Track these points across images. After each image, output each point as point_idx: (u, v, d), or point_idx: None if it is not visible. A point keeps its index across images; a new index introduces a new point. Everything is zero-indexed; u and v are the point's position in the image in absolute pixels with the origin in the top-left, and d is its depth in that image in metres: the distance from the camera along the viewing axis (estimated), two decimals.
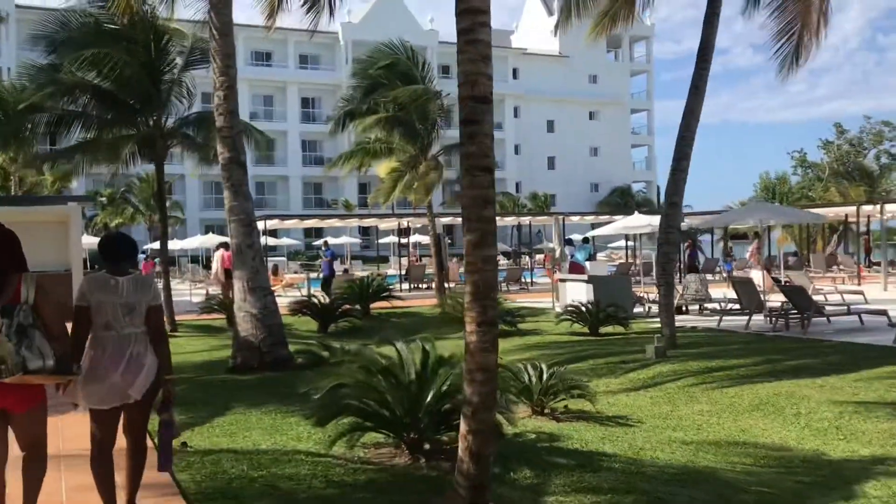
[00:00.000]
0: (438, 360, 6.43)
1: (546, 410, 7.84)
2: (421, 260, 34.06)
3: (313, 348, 10.86)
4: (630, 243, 36.22)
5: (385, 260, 49.75)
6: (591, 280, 16.05)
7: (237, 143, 10.89)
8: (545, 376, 7.83)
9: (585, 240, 23.17)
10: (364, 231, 56.10)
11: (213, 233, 38.98)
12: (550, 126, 72.72)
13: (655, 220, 18.23)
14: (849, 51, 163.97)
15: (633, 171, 77.21)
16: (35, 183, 32.22)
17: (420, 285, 28.58)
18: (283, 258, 44.37)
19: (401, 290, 22.92)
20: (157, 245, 43.29)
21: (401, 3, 66.34)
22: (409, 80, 19.14)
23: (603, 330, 14.27)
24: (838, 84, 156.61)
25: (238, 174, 10.86)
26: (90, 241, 38.56)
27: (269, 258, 36.30)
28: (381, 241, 52.65)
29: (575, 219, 32.45)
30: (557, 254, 18.79)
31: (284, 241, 47.63)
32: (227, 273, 28.61)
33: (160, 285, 16.99)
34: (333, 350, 9.52)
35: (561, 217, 20.28)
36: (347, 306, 17.83)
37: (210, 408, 8.28)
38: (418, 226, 35.65)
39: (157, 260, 45.96)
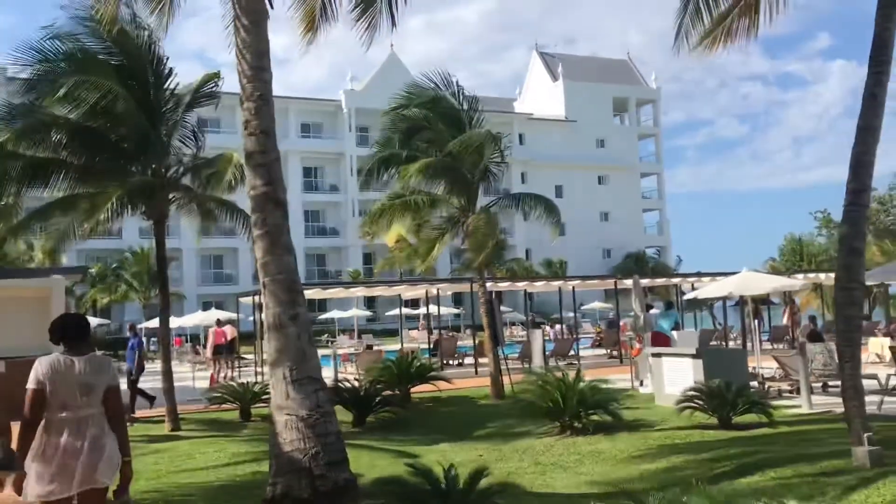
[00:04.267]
0: None
1: None
2: (444, 333, 30.51)
3: (401, 472, 7.18)
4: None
5: (393, 333, 46.40)
6: (701, 354, 12.76)
7: (273, 174, 7.76)
8: None
9: (669, 304, 19.96)
10: (369, 304, 52.90)
11: (215, 308, 35.50)
12: (559, 191, 70.13)
13: (777, 279, 15.19)
14: (832, 118, 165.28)
15: (645, 235, 74.44)
16: (22, 256, 28.97)
17: (450, 361, 25.15)
18: None
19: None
20: (152, 324, 39.99)
21: (404, 71, 64.51)
22: (453, 121, 16.21)
23: (737, 420, 10.96)
24: (823, 152, 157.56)
25: (276, 216, 7.70)
26: None
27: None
28: (387, 313, 49.49)
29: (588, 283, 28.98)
30: (641, 322, 15.51)
31: None
32: (218, 349, 25.77)
33: (160, 368, 13.64)
34: (430, 477, 6.12)
35: (637, 278, 17.02)
36: (388, 392, 14.48)
37: None
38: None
39: (143, 339, 42.66)
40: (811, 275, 29.34)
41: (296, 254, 7.94)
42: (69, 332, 4.66)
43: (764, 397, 11.09)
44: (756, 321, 25.86)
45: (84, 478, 4.30)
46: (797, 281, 19.16)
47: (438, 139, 16.23)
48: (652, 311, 17.13)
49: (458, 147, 15.21)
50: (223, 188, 13.54)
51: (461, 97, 16.40)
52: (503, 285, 23.25)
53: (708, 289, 16.34)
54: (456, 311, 49.17)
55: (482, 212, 16.34)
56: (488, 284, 21.82)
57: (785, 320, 28.13)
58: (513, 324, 46.44)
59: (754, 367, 14.18)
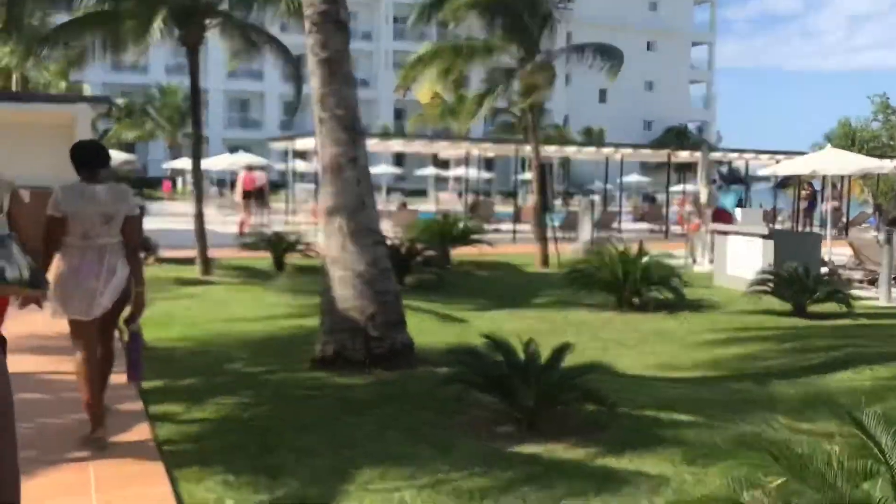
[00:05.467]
0: None
1: None
2: (479, 196, 29.52)
3: (454, 338, 6.24)
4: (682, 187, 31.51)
5: (421, 194, 45.64)
6: (774, 236, 11.78)
7: None
8: None
9: (735, 180, 18.69)
10: (398, 162, 51.78)
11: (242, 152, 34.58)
12: None
13: (866, 160, 13.96)
14: None
15: (690, 109, 71.57)
16: (43, 84, 27.95)
17: (486, 226, 24.33)
18: (313, 186, 39.97)
19: None
20: (177, 164, 39.31)
21: None
22: None
23: (812, 309, 10.12)
24: (880, 33, 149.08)
25: (337, 41, 6.58)
26: None
27: (298, 185, 32.01)
28: (416, 172, 48.45)
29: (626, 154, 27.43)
30: (704, 196, 14.43)
31: (313, 166, 43.27)
32: (247, 195, 25.10)
33: (192, 211, 12.90)
34: (507, 349, 5.32)
35: (706, 147, 15.77)
36: (431, 253, 13.71)
37: (305, 472, 4.16)
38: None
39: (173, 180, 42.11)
40: None
41: (356, 87, 6.87)
42: (88, 158, 4.57)
43: (845, 286, 10.17)
44: (807, 205, 24.78)
45: (100, 303, 4.39)
46: (888, 163, 17.73)
47: None
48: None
49: None
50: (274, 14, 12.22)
51: None
52: (550, 150, 22.00)
53: (789, 165, 15.14)
54: (488, 175, 47.95)
55: (542, 62, 14.96)
56: (528, 148, 20.69)
57: (825, 207, 26.88)
58: None
59: (825, 254, 13.22)
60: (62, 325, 4.66)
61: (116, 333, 5.00)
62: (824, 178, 25.20)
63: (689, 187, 35.12)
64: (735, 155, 24.34)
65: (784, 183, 29.62)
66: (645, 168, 51.18)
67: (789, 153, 26.59)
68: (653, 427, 5.06)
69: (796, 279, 9.98)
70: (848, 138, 53.05)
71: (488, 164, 51.54)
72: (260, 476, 3.99)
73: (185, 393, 5.53)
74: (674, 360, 7.74)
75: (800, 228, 22.67)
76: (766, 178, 28.57)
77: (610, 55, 15.08)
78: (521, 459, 4.33)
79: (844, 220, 25.21)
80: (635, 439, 4.76)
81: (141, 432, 4.62)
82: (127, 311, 4.70)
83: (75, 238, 4.39)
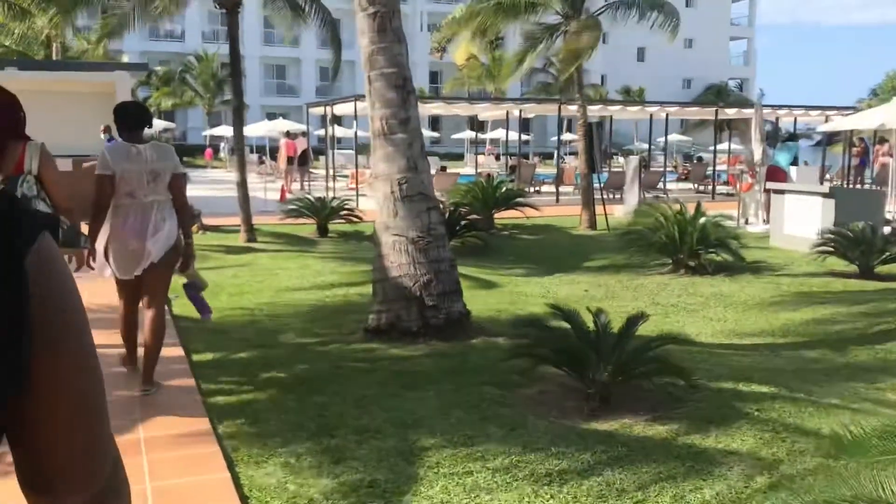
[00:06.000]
0: None
1: None
2: (519, 158, 28.88)
3: (507, 305, 6.07)
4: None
5: (457, 157, 45.15)
6: (834, 193, 11.24)
7: None
8: None
9: (791, 137, 17.99)
10: (433, 126, 51.13)
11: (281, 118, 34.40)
12: None
13: None
14: None
15: (730, 66, 69.69)
16: (81, 52, 27.91)
17: (528, 188, 23.89)
18: (352, 151, 39.60)
19: None
20: (216, 132, 39.27)
21: None
22: None
23: (879, 270, 9.63)
24: None
25: None
26: None
27: (337, 151, 31.63)
28: (453, 136, 47.85)
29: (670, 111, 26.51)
30: (758, 155, 13.84)
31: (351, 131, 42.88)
32: (289, 161, 24.88)
33: (235, 178, 12.70)
34: (576, 320, 4.99)
35: (760, 104, 15.10)
36: (475, 217, 13.38)
37: (370, 454, 3.91)
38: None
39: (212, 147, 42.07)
40: None
41: (408, 46, 6.52)
42: (131, 118, 4.61)
43: None
44: (859, 162, 23.84)
45: (148, 257, 4.46)
46: None
47: None
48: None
49: None
50: None
51: None
52: (593, 109, 21.35)
53: (853, 119, 14.44)
54: (525, 136, 47.22)
55: (589, 17, 14.39)
56: (573, 108, 20.13)
57: (879, 164, 25.86)
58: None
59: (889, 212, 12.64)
60: (108, 296, 4.66)
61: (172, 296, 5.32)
62: (875, 133, 24.26)
63: (735, 146, 34.19)
64: (784, 111, 23.45)
65: (830, 140, 28.56)
66: (685, 126, 50.07)
67: (840, 109, 25.63)
68: (733, 401, 4.73)
69: (863, 239, 9.48)
70: None
71: (525, 125, 50.73)
72: (322, 458, 3.75)
73: (238, 367, 5.33)
74: (739, 325, 7.37)
75: (851, 186, 21.83)
76: (807, 136, 27.58)
77: (663, 10, 14.43)
78: (598, 438, 4.04)
79: None
80: (717, 415, 4.44)
81: (194, 411, 4.40)
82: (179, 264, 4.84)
83: (122, 197, 4.48)
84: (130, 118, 4.60)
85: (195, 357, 5.54)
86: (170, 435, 3.99)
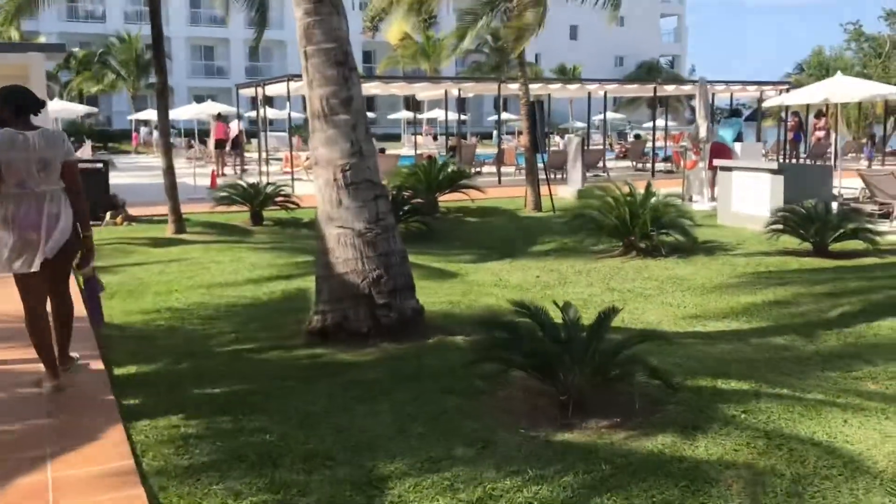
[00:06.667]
0: None
1: None
2: (459, 138, 28.37)
3: (463, 298, 5.58)
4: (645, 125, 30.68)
5: (394, 138, 44.48)
6: (783, 170, 11.08)
7: None
8: None
9: (735, 112, 17.88)
10: (369, 106, 50.23)
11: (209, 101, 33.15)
12: None
13: (876, 86, 13.22)
14: None
15: (661, 43, 70.37)
16: None
17: (469, 169, 23.40)
18: (284, 134, 38.41)
19: None
20: (142, 115, 37.61)
21: None
22: None
23: (834, 247, 9.50)
24: None
25: None
26: (63, 107, 32.69)
27: (269, 133, 30.60)
28: (389, 116, 47.05)
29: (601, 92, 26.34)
30: (702, 131, 13.64)
31: (284, 113, 41.70)
32: (219, 144, 23.90)
33: (162, 164, 11.90)
34: (541, 318, 4.52)
35: (704, 81, 14.89)
36: (419, 200, 12.87)
37: (321, 488, 3.38)
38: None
39: (141, 132, 40.40)
40: None
41: (348, 22, 5.94)
42: (18, 103, 4.35)
43: (868, 221, 9.53)
44: (793, 136, 24.11)
45: (44, 253, 4.25)
46: None
47: None
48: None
49: None
50: None
51: None
52: (533, 87, 20.94)
53: (797, 94, 14.36)
54: (462, 116, 46.77)
55: None
56: (513, 86, 19.73)
57: (815, 137, 26.23)
58: (519, 132, 44.33)
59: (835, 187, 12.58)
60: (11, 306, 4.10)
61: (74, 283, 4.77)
62: (807, 108, 24.56)
63: (671, 123, 34.35)
64: (721, 87, 23.49)
65: (763, 114, 28.93)
66: (617, 104, 50.29)
67: (776, 84, 25.85)
68: (715, 401, 4.36)
69: (817, 216, 9.32)
70: (822, 67, 52.51)
71: (461, 105, 50.23)
72: (266, 496, 3.21)
73: (165, 383, 4.71)
74: (701, 310, 7.08)
75: (789, 161, 22.05)
76: (736, 111, 27.87)
77: None
78: (578, 455, 3.60)
79: (832, 150, 24.63)
80: (701, 419, 4.06)
81: (114, 441, 3.79)
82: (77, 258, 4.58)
83: (12, 187, 4.24)
84: (18, 101, 4.36)
85: (117, 371, 4.91)
86: (84, 476, 3.37)
